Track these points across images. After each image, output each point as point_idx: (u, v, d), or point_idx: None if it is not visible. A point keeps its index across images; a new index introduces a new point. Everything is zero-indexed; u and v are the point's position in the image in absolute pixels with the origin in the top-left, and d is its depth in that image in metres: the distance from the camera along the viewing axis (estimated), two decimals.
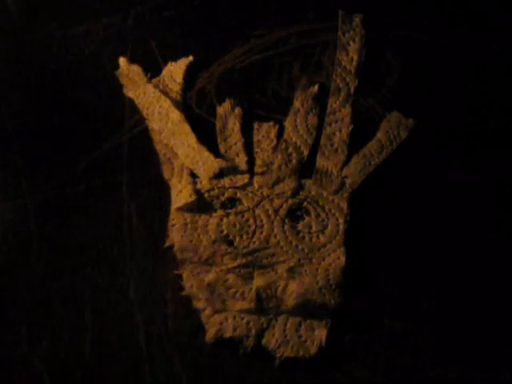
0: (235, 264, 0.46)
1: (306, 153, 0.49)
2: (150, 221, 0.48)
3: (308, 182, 0.48)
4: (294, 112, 0.50)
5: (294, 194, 0.48)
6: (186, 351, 0.45)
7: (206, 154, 0.48)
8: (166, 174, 0.49)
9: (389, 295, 0.46)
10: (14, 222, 0.49)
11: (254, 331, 0.44)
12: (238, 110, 0.50)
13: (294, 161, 0.49)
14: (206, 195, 0.48)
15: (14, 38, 0.55)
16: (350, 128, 0.49)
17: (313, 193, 0.48)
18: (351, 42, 0.52)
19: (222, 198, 0.48)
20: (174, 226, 0.47)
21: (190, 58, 0.52)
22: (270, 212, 0.47)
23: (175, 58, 0.53)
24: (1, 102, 0.53)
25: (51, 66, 0.54)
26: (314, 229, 0.47)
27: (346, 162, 0.48)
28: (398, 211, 0.48)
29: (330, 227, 0.47)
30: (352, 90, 0.50)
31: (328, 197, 0.48)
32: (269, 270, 0.46)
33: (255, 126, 0.50)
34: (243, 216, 0.47)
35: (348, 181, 0.48)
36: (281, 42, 0.52)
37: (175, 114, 0.50)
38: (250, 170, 0.49)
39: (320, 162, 0.49)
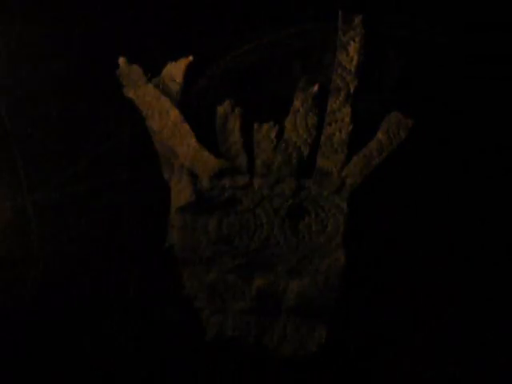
0: (235, 264, 0.46)
1: (305, 153, 0.49)
2: (150, 221, 0.48)
3: (308, 182, 0.48)
4: (293, 112, 0.50)
5: (294, 194, 0.48)
6: (188, 351, 0.45)
7: (206, 154, 0.48)
8: (166, 174, 0.49)
9: (389, 295, 0.46)
10: (14, 222, 0.49)
11: (254, 331, 0.45)
12: (237, 110, 0.50)
13: (294, 161, 0.49)
14: (206, 195, 0.48)
15: (14, 38, 0.55)
16: (350, 128, 0.49)
17: (313, 193, 0.48)
18: (351, 42, 0.52)
19: (222, 198, 0.48)
20: (173, 226, 0.47)
21: (190, 58, 0.52)
22: (270, 212, 0.47)
23: (175, 58, 0.53)
24: (1, 102, 0.53)
25: (51, 65, 0.54)
26: (314, 229, 0.47)
27: (346, 162, 0.48)
28: (398, 211, 0.48)
29: (329, 227, 0.47)
30: (352, 90, 0.50)
31: (328, 197, 0.48)
32: (269, 270, 0.46)
33: (255, 126, 0.50)
34: (243, 216, 0.47)
35: (348, 181, 0.48)
36: (281, 42, 0.52)
37: (175, 114, 0.50)
38: (250, 171, 0.49)
39: (320, 161, 0.49)
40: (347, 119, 0.49)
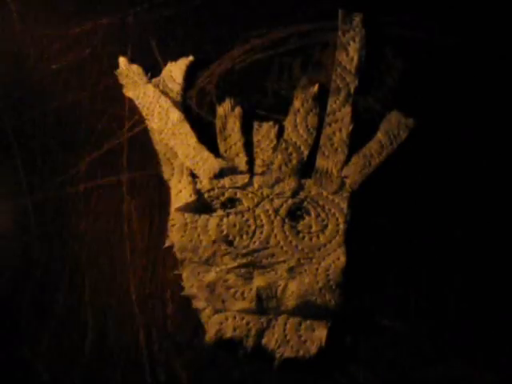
0: (235, 264, 0.46)
1: (306, 153, 0.49)
2: (149, 221, 0.48)
3: (308, 182, 0.48)
4: (293, 112, 0.50)
5: (294, 194, 0.48)
6: (186, 351, 0.45)
7: (206, 154, 0.48)
8: (166, 174, 0.49)
9: (389, 295, 0.46)
10: (14, 222, 0.49)
11: (254, 331, 0.44)
12: (237, 110, 0.50)
13: (294, 161, 0.49)
14: (206, 195, 0.48)
15: (14, 38, 0.55)
16: (350, 128, 0.49)
17: (313, 193, 0.48)
18: (351, 42, 0.52)
19: (222, 198, 0.48)
20: (173, 226, 0.47)
21: (190, 58, 0.52)
22: (270, 212, 0.47)
23: (175, 58, 0.53)
24: (1, 102, 0.53)
25: (51, 66, 0.54)
26: (313, 229, 0.47)
27: (346, 162, 0.48)
28: (398, 211, 0.48)
29: (329, 227, 0.47)
30: (352, 90, 0.50)
31: (328, 197, 0.48)
32: (269, 269, 0.46)
33: (255, 125, 0.50)
34: (243, 216, 0.47)
35: (348, 181, 0.48)
36: (281, 42, 0.52)
37: (175, 114, 0.50)
38: (250, 170, 0.49)
39: (320, 161, 0.49)
40: (347, 119, 0.49)
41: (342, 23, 0.52)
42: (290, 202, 0.48)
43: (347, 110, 0.50)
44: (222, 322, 0.45)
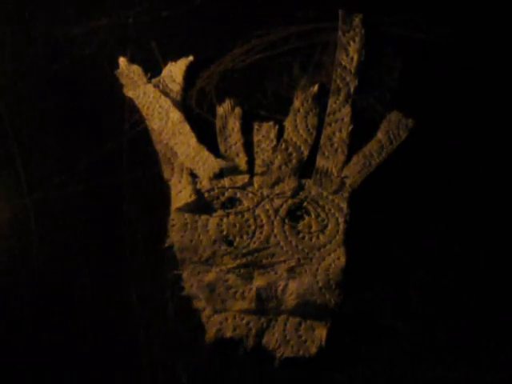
0: (235, 264, 0.46)
1: (306, 153, 0.49)
2: (149, 221, 0.48)
3: (308, 182, 0.48)
4: (293, 112, 0.50)
5: (294, 194, 0.48)
6: (186, 351, 0.45)
7: (206, 154, 0.48)
8: (166, 174, 0.49)
9: (389, 295, 0.46)
10: (14, 222, 0.49)
11: (254, 331, 0.45)
12: (237, 110, 0.50)
13: (294, 161, 0.49)
14: (206, 195, 0.48)
15: (14, 38, 0.55)
16: (350, 128, 0.49)
17: (313, 193, 0.48)
18: (351, 42, 0.52)
19: (222, 198, 0.48)
20: (173, 226, 0.47)
21: (190, 58, 0.52)
22: (270, 212, 0.47)
23: (175, 58, 0.53)
24: (1, 102, 0.53)
25: (51, 66, 0.54)
26: (314, 229, 0.47)
27: (346, 162, 0.48)
28: (398, 211, 0.48)
29: (329, 227, 0.47)
30: (352, 90, 0.50)
31: (328, 197, 0.48)
32: (269, 270, 0.46)
33: (255, 126, 0.50)
34: (243, 216, 0.47)
35: (348, 181, 0.48)
36: (281, 42, 0.52)
37: (175, 114, 0.50)
38: (250, 170, 0.49)
39: (320, 162, 0.49)
40: (347, 119, 0.49)
41: (342, 23, 0.52)
42: (289, 202, 0.48)
43: (347, 110, 0.50)
44: (221, 321, 0.45)
